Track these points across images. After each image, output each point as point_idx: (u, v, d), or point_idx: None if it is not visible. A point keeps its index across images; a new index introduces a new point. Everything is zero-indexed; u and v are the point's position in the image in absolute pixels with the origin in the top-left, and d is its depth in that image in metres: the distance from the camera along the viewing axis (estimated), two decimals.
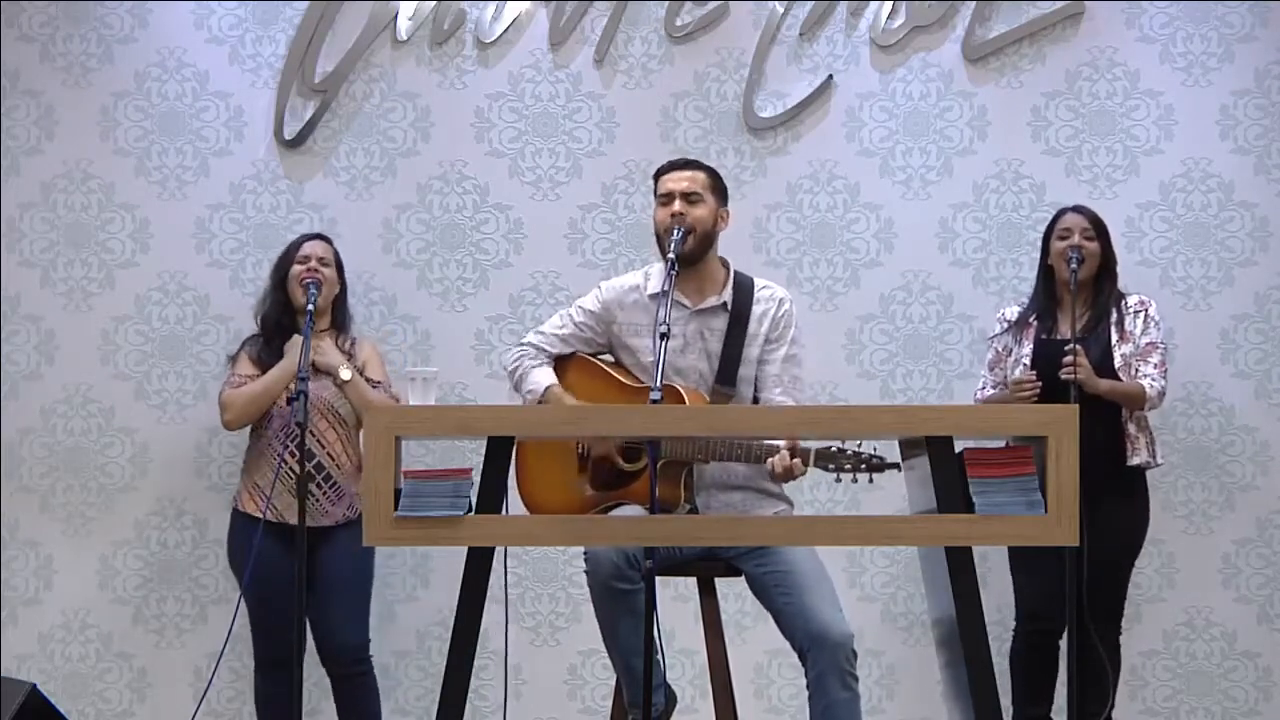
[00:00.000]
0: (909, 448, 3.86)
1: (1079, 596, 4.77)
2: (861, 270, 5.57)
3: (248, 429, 5.08)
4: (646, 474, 4.07)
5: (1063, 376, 4.81)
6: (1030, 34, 5.55)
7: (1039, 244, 5.12)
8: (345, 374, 4.99)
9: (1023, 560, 5.02)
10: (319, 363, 4.99)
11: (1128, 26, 5.56)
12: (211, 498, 5.53)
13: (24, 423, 5.56)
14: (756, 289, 4.31)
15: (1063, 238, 5.02)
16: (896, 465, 3.97)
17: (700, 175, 4.30)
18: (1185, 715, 5.47)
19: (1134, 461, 4.96)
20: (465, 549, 3.64)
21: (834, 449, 3.99)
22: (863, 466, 3.98)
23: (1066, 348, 4.84)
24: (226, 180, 5.60)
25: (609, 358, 4.36)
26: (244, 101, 5.62)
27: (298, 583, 4.63)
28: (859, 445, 3.99)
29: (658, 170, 4.37)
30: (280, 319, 5.08)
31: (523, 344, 4.40)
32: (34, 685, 4.66)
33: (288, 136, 5.58)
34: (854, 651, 3.99)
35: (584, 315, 4.36)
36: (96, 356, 5.57)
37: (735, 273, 4.34)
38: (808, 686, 3.98)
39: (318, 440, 4.96)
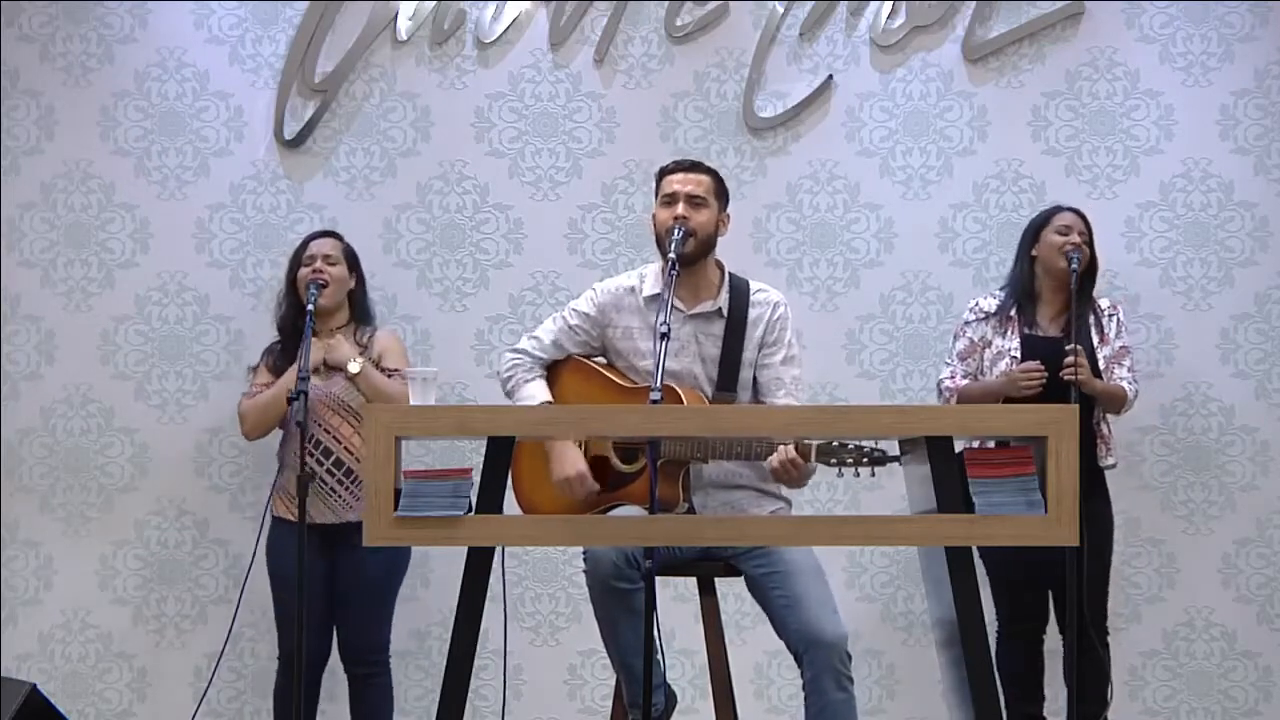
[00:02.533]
0: (909, 447, 3.86)
1: (1079, 598, 4.76)
2: (861, 270, 5.56)
3: (278, 436, 5.06)
4: (644, 475, 4.06)
5: (1065, 378, 4.80)
6: (1030, 34, 5.55)
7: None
8: (354, 367, 4.96)
9: (994, 562, 4.97)
10: (330, 359, 4.98)
11: (1128, 26, 5.55)
12: (212, 498, 5.53)
13: (24, 423, 5.55)
14: (752, 292, 4.29)
15: (1062, 233, 5.00)
16: (898, 459, 3.97)
17: (706, 179, 4.27)
18: (1185, 715, 5.46)
19: (1107, 462, 4.99)
20: (465, 549, 3.65)
21: (835, 444, 3.99)
22: (865, 460, 3.97)
23: (1068, 348, 4.83)
24: (226, 180, 5.60)
25: (603, 359, 4.35)
26: (244, 101, 5.62)
27: (298, 582, 4.63)
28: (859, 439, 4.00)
29: (662, 169, 4.32)
30: (295, 322, 5.02)
31: (516, 350, 4.36)
32: (34, 685, 4.66)
33: (288, 136, 5.58)
34: (848, 653, 4.00)
35: (578, 318, 4.33)
36: (96, 356, 5.57)
37: (730, 276, 4.32)
38: (803, 688, 3.99)
39: (333, 436, 4.95)
